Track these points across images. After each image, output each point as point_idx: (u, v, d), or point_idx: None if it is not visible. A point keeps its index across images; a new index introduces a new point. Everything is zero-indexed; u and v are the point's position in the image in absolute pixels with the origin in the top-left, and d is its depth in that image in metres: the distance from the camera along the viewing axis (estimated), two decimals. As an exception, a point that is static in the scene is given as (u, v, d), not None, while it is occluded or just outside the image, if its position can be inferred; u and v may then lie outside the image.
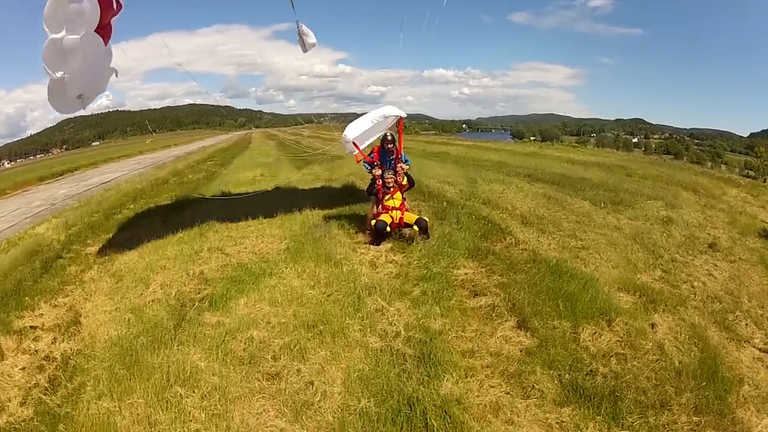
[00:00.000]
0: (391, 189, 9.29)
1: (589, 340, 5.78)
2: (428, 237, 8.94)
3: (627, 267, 8.44)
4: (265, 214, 11.33)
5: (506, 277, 7.32)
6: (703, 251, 9.67)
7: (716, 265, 8.92)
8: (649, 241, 9.88)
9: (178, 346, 5.81)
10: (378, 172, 9.51)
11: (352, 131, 9.51)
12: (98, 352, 5.92)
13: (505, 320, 6.04)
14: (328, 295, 6.82)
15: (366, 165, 9.84)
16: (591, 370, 5.17)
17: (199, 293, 7.34)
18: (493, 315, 6.18)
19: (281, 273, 7.79)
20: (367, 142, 10.22)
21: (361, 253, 8.63)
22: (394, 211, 9.14)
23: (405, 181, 9.47)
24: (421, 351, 5.35)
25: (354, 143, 9.53)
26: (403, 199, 9.47)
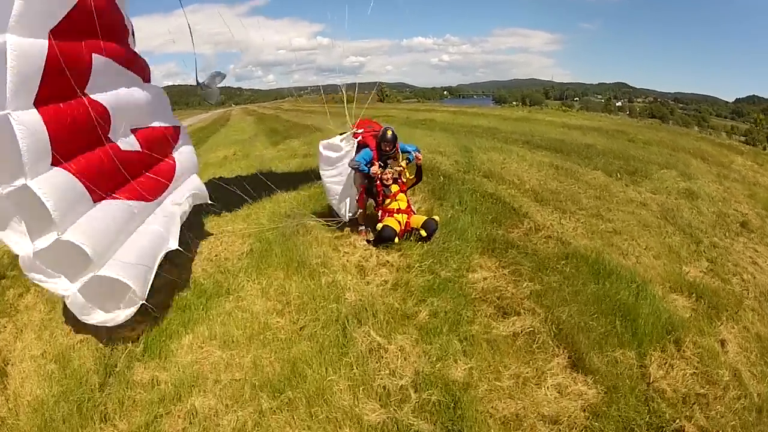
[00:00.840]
0: (393, 190, 7.08)
1: (662, 377, 4.17)
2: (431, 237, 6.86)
3: (670, 256, 6.93)
4: (226, 203, 8.80)
5: (538, 281, 5.53)
6: (738, 232, 8.54)
7: (756, 251, 7.84)
8: (682, 221, 8.46)
9: (100, 422, 4.06)
10: (376, 168, 7.07)
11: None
12: (22, 423, 4.22)
13: (553, 355, 4.30)
14: (301, 328, 4.89)
15: (360, 161, 7.10)
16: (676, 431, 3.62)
17: (134, 329, 5.28)
18: (535, 347, 4.41)
19: (241, 290, 5.85)
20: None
21: (345, 253, 6.66)
22: (400, 214, 7.03)
23: (409, 175, 7.25)
24: (443, 425, 3.60)
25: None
26: (410, 206, 7.32)
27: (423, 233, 6.61)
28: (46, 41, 4.05)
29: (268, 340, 4.69)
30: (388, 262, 6.23)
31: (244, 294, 5.74)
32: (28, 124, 3.97)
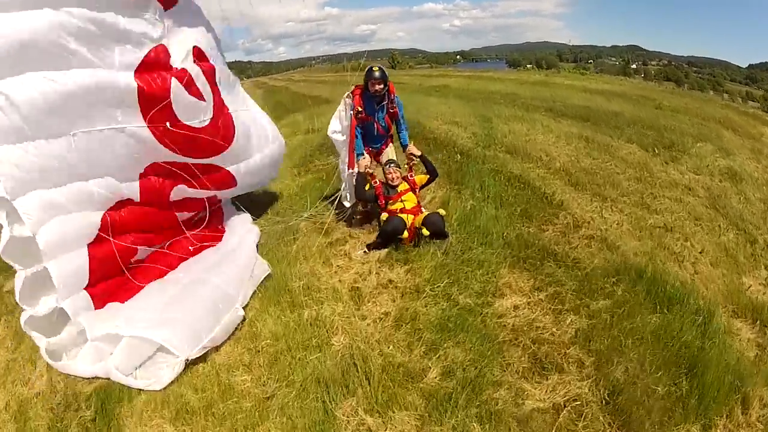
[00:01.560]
0: (399, 190, 5.56)
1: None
2: (446, 238, 5.19)
3: (728, 263, 5.48)
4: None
5: (585, 312, 4.03)
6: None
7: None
8: (733, 212, 6.90)
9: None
10: (366, 162, 5.65)
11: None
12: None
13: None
14: (269, 397, 3.41)
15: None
16: None
17: (92, 382, 3.92)
18: (580, 426, 2.95)
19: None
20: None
21: (338, 268, 5.10)
22: (405, 215, 5.34)
23: (420, 173, 5.73)
24: None
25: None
26: (419, 205, 5.64)
27: (425, 232, 5.01)
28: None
29: (229, 412, 3.28)
30: (390, 281, 4.62)
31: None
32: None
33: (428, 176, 5.63)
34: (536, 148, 9.05)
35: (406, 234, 5.13)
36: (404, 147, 5.89)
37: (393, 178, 5.52)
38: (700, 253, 5.58)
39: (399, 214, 5.28)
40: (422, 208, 5.57)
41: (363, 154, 5.85)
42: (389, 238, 5.12)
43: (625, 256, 5.11)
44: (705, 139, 10.98)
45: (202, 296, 4.37)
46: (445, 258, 4.80)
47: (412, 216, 5.33)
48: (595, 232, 5.63)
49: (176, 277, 4.90)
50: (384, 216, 5.24)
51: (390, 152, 6.25)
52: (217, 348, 4.08)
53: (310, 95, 26.59)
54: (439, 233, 5.06)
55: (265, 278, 4.93)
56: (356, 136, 5.79)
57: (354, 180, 5.67)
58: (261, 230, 5.97)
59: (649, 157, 9.21)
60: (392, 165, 5.57)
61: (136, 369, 3.86)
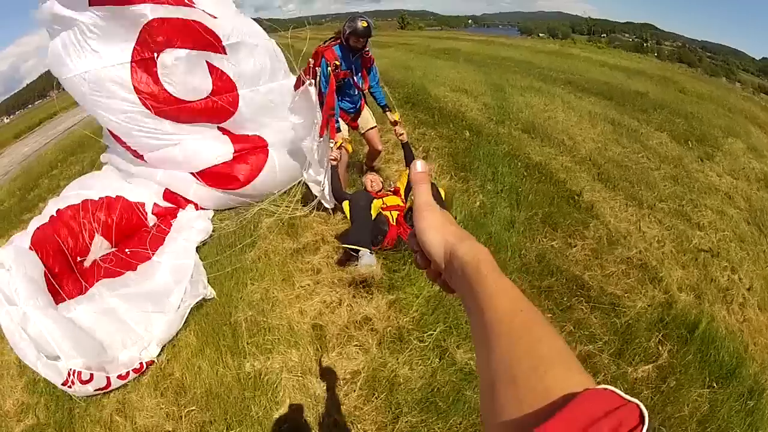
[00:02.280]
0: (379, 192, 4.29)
1: None
2: None
3: None
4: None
5: (621, 386, 2.44)
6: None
7: None
8: None
9: None
10: (345, 136, 4.49)
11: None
12: None
13: None
14: None
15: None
16: None
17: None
18: None
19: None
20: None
21: (302, 289, 3.57)
22: (387, 212, 3.93)
23: (404, 179, 4.27)
24: None
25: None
26: (404, 200, 4.16)
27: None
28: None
29: None
30: (366, 320, 3.16)
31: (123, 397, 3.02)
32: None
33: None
34: (557, 128, 7.45)
35: (377, 203, 3.72)
36: (382, 108, 4.63)
37: (373, 186, 4.15)
38: (748, 290, 4.20)
39: (388, 209, 3.84)
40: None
41: (340, 125, 4.44)
42: (363, 216, 3.58)
43: (671, 294, 3.73)
44: (735, 135, 9.37)
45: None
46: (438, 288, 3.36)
47: (396, 212, 3.84)
48: (634, 253, 4.19)
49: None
50: (346, 204, 3.74)
51: (369, 117, 4.82)
52: (142, 396, 2.82)
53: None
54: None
55: (210, 299, 3.57)
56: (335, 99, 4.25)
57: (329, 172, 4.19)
58: (214, 228, 4.50)
59: (683, 150, 7.64)
60: (371, 173, 4.40)
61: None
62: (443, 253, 0.59)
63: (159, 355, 3.20)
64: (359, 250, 3.44)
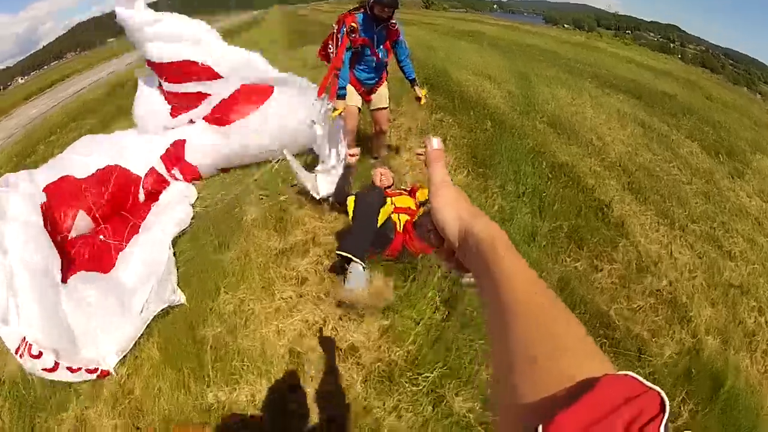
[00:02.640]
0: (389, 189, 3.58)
1: None
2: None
3: None
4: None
5: None
6: None
7: None
8: None
9: None
10: (344, 106, 3.92)
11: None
12: None
13: None
14: None
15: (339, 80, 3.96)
16: None
17: None
18: None
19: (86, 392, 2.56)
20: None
21: (282, 301, 2.91)
22: (397, 215, 3.22)
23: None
24: None
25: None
26: (418, 205, 3.41)
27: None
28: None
29: None
30: (352, 349, 2.53)
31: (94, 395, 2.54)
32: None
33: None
34: (585, 125, 6.73)
35: (389, 207, 3.03)
36: (411, 82, 4.32)
37: (382, 181, 3.47)
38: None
39: (398, 212, 3.23)
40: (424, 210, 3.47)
41: (345, 91, 3.95)
42: (368, 220, 2.87)
43: (699, 338, 3.18)
44: (762, 150, 8.53)
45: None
46: (443, 319, 2.74)
47: (406, 216, 3.21)
48: (664, 284, 3.58)
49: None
50: (351, 199, 3.00)
51: (384, 94, 4.34)
52: (99, 415, 2.37)
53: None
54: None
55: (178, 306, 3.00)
56: (343, 62, 3.81)
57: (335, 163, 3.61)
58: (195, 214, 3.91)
59: (714, 164, 6.92)
60: (381, 165, 3.77)
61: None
62: (458, 231, 0.57)
63: (119, 364, 2.68)
64: (350, 261, 2.84)
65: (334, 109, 3.75)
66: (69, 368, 2.55)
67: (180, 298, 3.03)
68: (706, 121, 9.50)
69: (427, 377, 2.31)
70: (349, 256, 2.78)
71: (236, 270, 3.16)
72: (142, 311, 2.82)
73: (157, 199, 4.05)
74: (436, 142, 0.65)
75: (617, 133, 6.80)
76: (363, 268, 2.79)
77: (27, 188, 3.33)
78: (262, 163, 4.55)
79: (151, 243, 3.32)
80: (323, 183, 3.74)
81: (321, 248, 3.35)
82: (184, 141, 4.48)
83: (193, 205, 3.98)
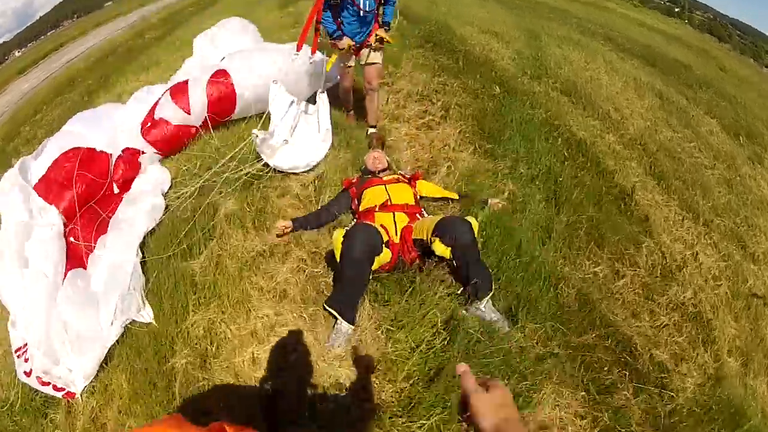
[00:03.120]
0: (383, 177, 2.91)
1: None
2: (487, 283, 2.29)
3: None
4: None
5: None
6: None
7: None
8: None
9: None
10: (350, 43, 3.53)
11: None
12: None
13: None
14: None
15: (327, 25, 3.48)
16: None
17: None
18: None
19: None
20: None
21: (258, 320, 2.24)
22: (388, 213, 2.53)
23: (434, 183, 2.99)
24: None
25: None
26: (419, 207, 2.73)
27: (440, 249, 2.28)
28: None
29: None
30: (339, 387, 1.95)
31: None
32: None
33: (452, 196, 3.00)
34: (601, 94, 5.86)
35: (386, 255, 2.31)
36: (383, 24, 3.68)
37: (375, 164, 2.85)
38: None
39: (377, 213, 2.51)
40: (424, 213, 2.72)
41: (339, 32, 3.49)
42: (359, 270, 2.20)
43: (722, 362, 2.67)
44: None
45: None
46: (441, 342, 2.10)
47: (404, 219, 2.51)
48: (689, 295, 2.97)
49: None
50: (339, 234, 2.28)
51: (378, 53, 3.77)
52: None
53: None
54: (469, 260, 2.27)
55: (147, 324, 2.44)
56: (324, 9, 3.37)
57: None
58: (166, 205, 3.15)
59: (735, 147, 6.16)
60: (376, 142, 3.24)
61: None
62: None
63: (88, 393, 2.27)
64: (337, 319, 2.17)
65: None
66: (39, 379, 2.31)
67: (147, 315, 2.44)
68: (723, 96, 8.64)
69: (423, 425, 1.69)
70: (335, 315, 2.16)
71: (207, 282, 2.48)
72: (111, 325, 2.35)
73: (128, 188, 3.30)
74: (460, 368, 0.81)
75: (635, 104, 5.97)
76: (352, 328, 2.18)
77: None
78: (244, 133, 3.70)
79: (119, 246, 2.68)
80: (281, 158, 3.05)
81: (304, 249, 2.63)
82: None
83: (165, 195, 3.21)
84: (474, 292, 2.28)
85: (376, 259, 2.23)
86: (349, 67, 3.80)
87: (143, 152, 3.57)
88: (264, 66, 3.79)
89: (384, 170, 2.89)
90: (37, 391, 2.37)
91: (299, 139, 3.31)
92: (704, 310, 2.99)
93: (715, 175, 4.99)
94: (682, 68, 9.83)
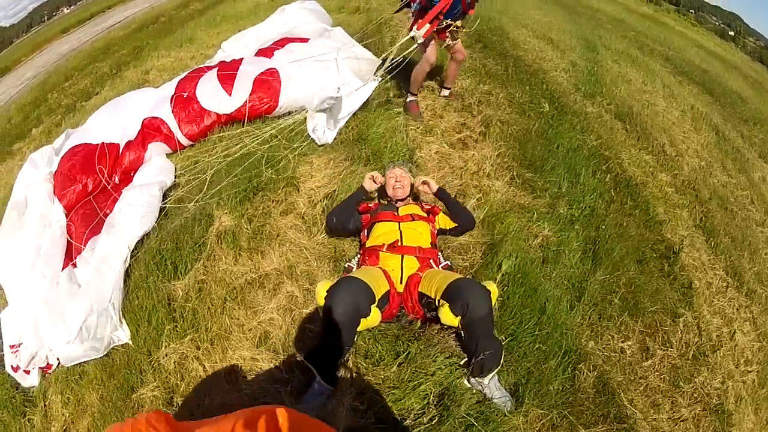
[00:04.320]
0: (398, 204, 2.33)
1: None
2: (496, 355, 1.76)
3: None
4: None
5: None
6: None
7: None
8: None
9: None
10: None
11: None
12: None
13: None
14: None
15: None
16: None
17: None
18: None
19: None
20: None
21: (235, 362, 1.84)
22: (396, 257, 1.96)
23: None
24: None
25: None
26: (435, 250, 2.12)
27: (447, 318, 1.75)
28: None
29: None
30: None
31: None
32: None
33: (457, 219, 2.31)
34: (657, 123, 4.98)
35: (374, 318, 1.80)
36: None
37: (396, 191, 2.30)
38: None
39: (385, 253, 1.97)
40: (440, 257, 2.16)
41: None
42: (339, 334, 1.67)
43: None
44: None
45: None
46: (440, 414, 1.61)
47: (415, 263, 1.98)
48: (717, 381, 2.38)
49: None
50: (323, 288, 1.78)
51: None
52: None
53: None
54: (479, 334, 1.75)
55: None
56: None
57: None
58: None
59: (786, 196, 5.30)
60: (398, 166, 2.49)
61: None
62: None
63: (62, 402, 2.03)
64: (315, 377, 1.70)
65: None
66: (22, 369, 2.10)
67: (123, 336, 2.09)
68: (778, 135, 7.57)
69: None
70: (314, 372, 1.70)
71: (187, 309, 2.05)
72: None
73: (131, 180, 2.89)
74: None
75: (691, 139, 5.09)
76: (328, 392, 1.73)
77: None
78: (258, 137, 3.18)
79: (108, 250, 2.31)
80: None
81: (296, 285, 2.14)
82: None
83: (165, 194, 2.76)
84: (479, 368, 1.76)
85: (362, 321, 1.72)
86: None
87: (163, 121, 3.14)
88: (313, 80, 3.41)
89: (403, 199, 2.32)
90: (17, 387, 2.12)
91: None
92: (727, 402, 2.39)
93: (765, 233, 4.19)
94: (739, 101, 8.61)
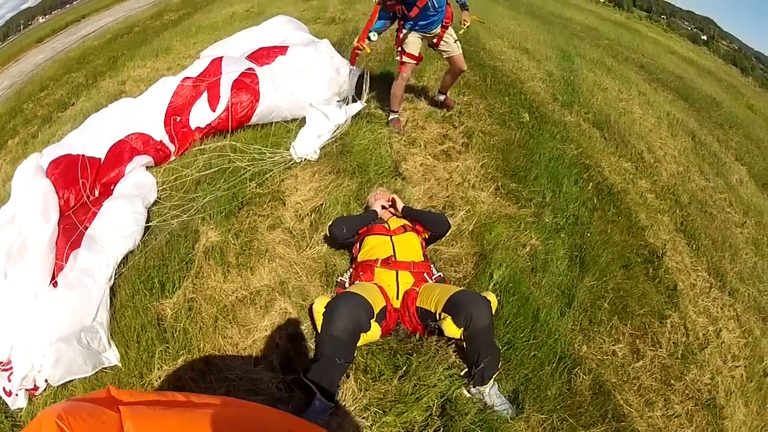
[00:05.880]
0: (388, 224, 2.48)
1: None
2: (494, 365, 1.91)
3: None
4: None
5: None
6: None
7: None
8: None
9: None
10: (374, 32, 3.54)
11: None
12: None
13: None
14: None
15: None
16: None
17: None
18: None
19: None
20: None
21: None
22: (390, 272, 2.13)
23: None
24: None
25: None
26: (428, 262, 2.34)
27: (450, 330, 1.89)
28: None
29: None
30: None
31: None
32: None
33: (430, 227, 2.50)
34: (635, 130, 5.37)
35: (374, 332, 1.94)
36: (462, 6, 3.82)
37: (384, 213, 2.52)
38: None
39: (380, 269, 2.12)
40: (432, 269, 2.33)
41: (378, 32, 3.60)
42: (340, 350, 1.82)
43: None
44: None
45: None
46: (443, 426, 1.75)
47: (410, 278, 2.14)
48: (706, 378, 2.63)
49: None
50: (320, 305, 1.98)
51: (450, 40, 3.83)
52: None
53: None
54: (481, 343, 1.90)
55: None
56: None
57: None
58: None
59: (763, 200, 5.76)
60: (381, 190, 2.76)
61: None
62: None
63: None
64: (315, 395, 1.79)
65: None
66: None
67: (113, 357, 2.11)
68: (751, 139, 8.14)
69: None
70: (314, 389, 1.79)
71: (177, 329, 2.10)
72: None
73: (110, 193, 2.96)
74: None
75: (668, 145, 5.51)
76: (330, 409, 1.82)
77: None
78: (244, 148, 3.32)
79: (87, 269, 2.31)
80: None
81: (289, 300, 2.24)
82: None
83: (150, 210, 2.84)
84: (481, 376, 1.91)
85: (363, 336, 1.86)
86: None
87: (151, 138, 3.26)
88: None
89: (389, 218, 2.50)
90: (6, 414, 2.09)
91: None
92: (718, 396, 2.63)
93: (743, 235, 4.56)
94: (714, 105, 9.28)
